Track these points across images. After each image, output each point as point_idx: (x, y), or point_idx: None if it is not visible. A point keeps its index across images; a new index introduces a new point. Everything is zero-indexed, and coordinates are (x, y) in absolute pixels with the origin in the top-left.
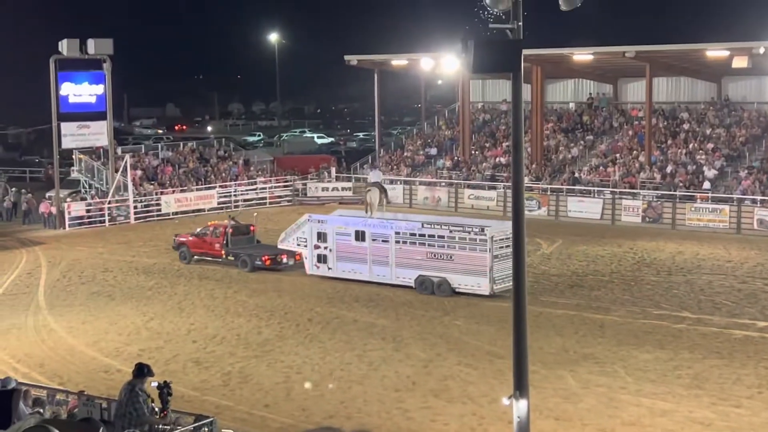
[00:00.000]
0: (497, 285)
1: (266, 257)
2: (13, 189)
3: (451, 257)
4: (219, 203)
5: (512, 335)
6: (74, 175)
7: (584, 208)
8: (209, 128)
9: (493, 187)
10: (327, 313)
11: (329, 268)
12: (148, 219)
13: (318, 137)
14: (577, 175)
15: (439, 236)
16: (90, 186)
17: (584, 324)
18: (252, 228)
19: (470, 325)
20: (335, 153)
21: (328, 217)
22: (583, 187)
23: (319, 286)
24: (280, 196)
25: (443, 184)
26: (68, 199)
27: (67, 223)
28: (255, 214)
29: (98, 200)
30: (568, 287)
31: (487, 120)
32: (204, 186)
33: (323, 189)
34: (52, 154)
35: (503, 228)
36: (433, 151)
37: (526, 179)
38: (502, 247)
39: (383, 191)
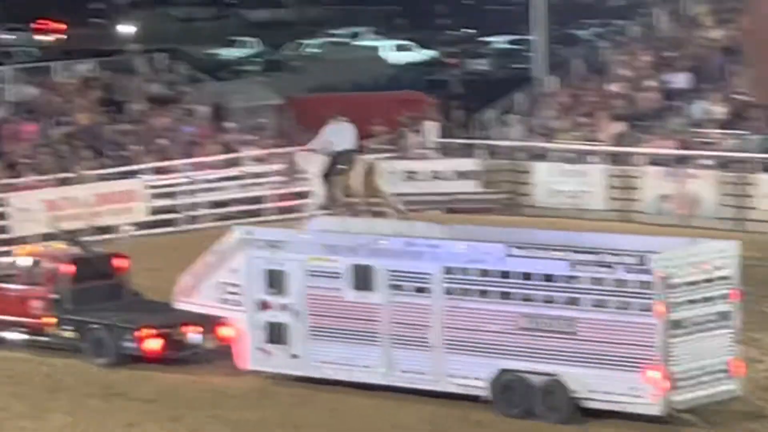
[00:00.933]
0: (684, 392)
1: (146, 331)
2: None
3: (572, 327)
4: (154, 210)
5: None
6: None
7: None
8: (126, 29)
9: None
10: None
11: (293, 356)
12: None
13: (394, 49)
14: None
15: (548, 278)
16: None
17: None
18: (119, 263)
19: None
20: (436, 87)
21: (291, 237)
22: None
23: (422, 407)
24: (300, 195)
25: (710, 161)
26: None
27: None
28: (129, 232)
29: None
30: None
31: None
32: (115, 171)
33: (408, 175)
34: None
35: (696, 254)
36: (679, 79)
37: None
38: (694, 301)
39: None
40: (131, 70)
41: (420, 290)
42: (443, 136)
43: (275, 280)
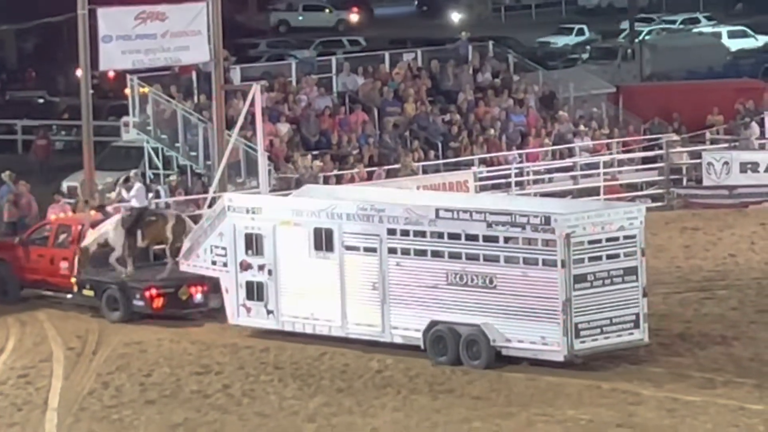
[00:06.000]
0: (585, 340)
1: (153, 291)
2: None
3: (491, 281)
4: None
5: None
6: (127, 136)
7: None
8: (453, 17)
9: None
10: None
11: (269, 312)
12: None
13: (730, 35)
14: None
15: (470, 237)
16: (167, 163)
17: None
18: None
19: None
20: None
21: (265, 202)
22: None
23: None
24: (632, 187)
25: None
26: (113, 194)
27: None
28: (152, 193)
29: (184, 198)
30: None
31: None
32: (443, 162)
33: (746, 166)
34: (74, 86)
35: (597, 214)
36: None
37: None
38: (595, 258)
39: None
40: (459, 59)
41: (369, 250)
42: None
43: (253, 243)
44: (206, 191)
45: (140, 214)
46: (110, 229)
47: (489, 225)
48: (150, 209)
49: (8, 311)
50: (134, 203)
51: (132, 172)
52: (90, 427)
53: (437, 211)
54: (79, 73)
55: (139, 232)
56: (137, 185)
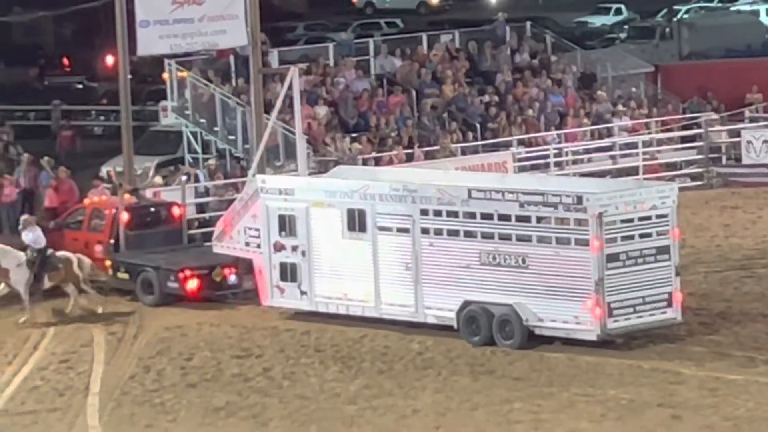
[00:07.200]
0: (618, 319)
1: (187, 273)
2: (24, 156)
3: (523, 261)
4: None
5: None
6: (166, 121)
7: None
8: None
9: None
10: None
11: (303, 293)
12: None
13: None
14: None
15: (502, 216)
16: (206, 148)
17: None
18: (177, 211)
19: None
20: None
21: (301, 182)
22: None
23: None
24: (671, 166)
25: None
26: (155, 180)
27: None
28: (183, 175)
29: (224, 182)
30: None
31: None
32: (481, 143)
33: None
34: (110, 70)
35: (630, 193)
36: None
37: None
38: (628, 237)
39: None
40: (496, 39)
41: (402, 231)
42: None
43: (287, 224)
44: (245, 175)
45: (43, 256)
46: (12, 268)
47: (521, 205)
48: (52, 255)
49: (48, 296)
50: (32, 245)
51: (25, 216)
52: (131, 411)
53: (470, 191)
54: (109, 59)
55: (45, 276)
56: (38, 232)
